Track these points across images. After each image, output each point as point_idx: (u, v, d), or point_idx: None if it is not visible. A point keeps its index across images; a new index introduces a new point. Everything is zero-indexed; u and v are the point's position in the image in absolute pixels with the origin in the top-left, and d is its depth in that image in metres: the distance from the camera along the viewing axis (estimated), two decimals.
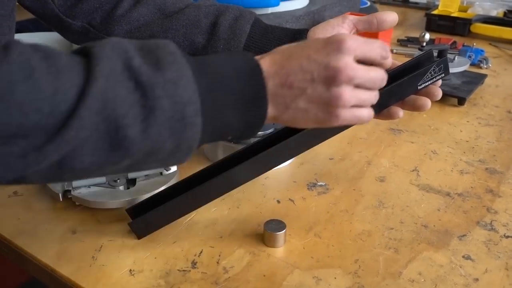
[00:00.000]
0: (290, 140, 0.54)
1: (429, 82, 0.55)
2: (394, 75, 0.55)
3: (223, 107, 0.42)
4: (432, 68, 0.53)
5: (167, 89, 0.38)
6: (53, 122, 0.35)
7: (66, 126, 0.35)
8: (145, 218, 0.55)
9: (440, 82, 0.56)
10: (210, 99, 0.41)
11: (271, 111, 0.44)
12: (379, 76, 0.47)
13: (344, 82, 0.43)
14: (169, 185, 0.60)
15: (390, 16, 0.59)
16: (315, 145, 0.57)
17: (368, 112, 0.47)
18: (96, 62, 0.37)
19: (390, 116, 0.56)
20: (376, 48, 0.47)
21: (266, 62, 0.44)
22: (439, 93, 0.56)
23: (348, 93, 0.44)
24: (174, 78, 0.39)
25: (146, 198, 0.58)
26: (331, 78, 0.43)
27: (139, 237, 0.56)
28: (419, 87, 0.55)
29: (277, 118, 0.46)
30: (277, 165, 0.58)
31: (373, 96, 0.47)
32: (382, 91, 0.53)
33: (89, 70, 0.36)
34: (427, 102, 0.55)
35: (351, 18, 0.61)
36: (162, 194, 0.58)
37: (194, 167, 0.70)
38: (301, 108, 0.44)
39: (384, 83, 0.47)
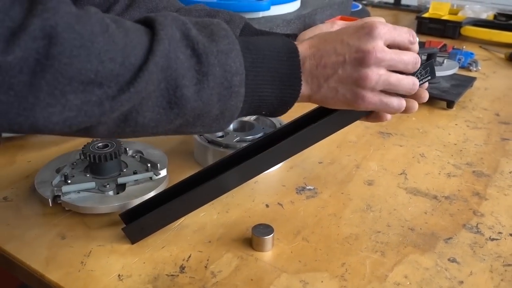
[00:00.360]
0: (280, 144, 0.55)
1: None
2: None
3: (262, 82, 0.47)
4: (418, 71, 0.54)
5: (219, 58, 0.43)
6: (124, 73, 0.39)
7: (137, 78, 0.39)
8: (139, 223, 0.56)
9: (426, 84, 0.56)
10: (253, 73, 0.46)
11: (305, 89, 0.49)
12: (410, 59, 0.50)
13: (372, 63, 0.47)
14: (162, 190, 0.60)
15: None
16: (304, 149, 0.57)
17: (398, 101, 0.51)
18: (160, 27, 0.42)
19: (379, 119, 0.57)
20: (404, 34, 0.50)
21: (304, 45, 0.50)
22: (425, 95, 0.57)
23: (375, 74, 0.48)
24: (225, 49, 0.44)
25: (139, 203, 0.58)
26: (361, 59, 0.47)
27: (133, 242, 0.56)
28: None
29: (311, 96, 0.50)
30: (268, 169, 0.59)
31: (406, 82, 0.50)
32: None
33: (154, 33, 0.41)
34: (414, 104, 0.56)
35: (339, 24, 0.61)
36: (155, 199, 0.58)
37: (184, 171, 0.71)
38: (332, 87, 0.49)
39: (417, 66, 0.51)
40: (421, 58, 0.57)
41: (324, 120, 0.55)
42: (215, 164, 0.58)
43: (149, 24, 0.43)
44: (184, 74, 0.42)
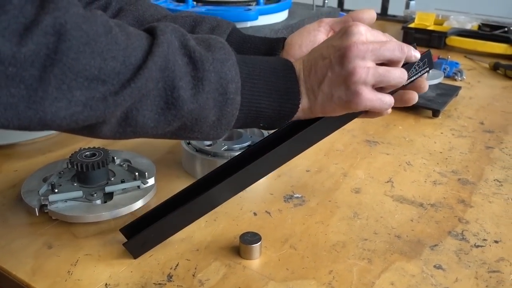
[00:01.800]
0: (287, 143, 0.55)
1: (415, 77, 0.55)
2: None
3: (259, 94, 0.49)
4: (416, 63, 0.54)
5: (215, 66, 0.46)
6: (125, 71, 0.41)
7: (137, 75, 0.41)
8: (140, 238, 0.55)
9: (426, 75, 0.57)
10: (249, 84, 0.48)
11: (305, 102, 0.51)
12: (394, 44, 0.50)
13: (355, 57, 0.48)
14: (160, 202, 0.58)
15: (366, 14, 0.60)
16: (303, 151, 0.57)
17: (389, 98, 0.52)
18: (160, 33, 0.44)
19: (378, 114, 0.57)
20: (381, 35, 0.52)
21: (298, 61, 0.52)
22: (425, 86, 0.57)
23: (362, 67, 0.48)
24: (221, 58, 0.46)
25: (139, 217, 0.57)
26: (344, 56, 0.48)
27: (135, 257, 0.55)
28: (406, 82, 0.55)
29: (311, 108, 0.51)
30: (270, 172, 0.58)
31: (396, 72, 0.50)
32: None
33: (155, 37, 0.44)
34: (415, 95, 0.56)
35: (327, 21, 0.62)
36: (155, 212, 0.57)
37: (172, 180, 0.71)
38: (327, 93, 0.50)
39: (403, 53, 0.50)
40: (415, 49, 0.58)
41: (321, 121, 0.54)
42: (212, 174, 0.58)
43: (150, 31, 0.45)
44: (181, 77, 0.44)
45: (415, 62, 0.54)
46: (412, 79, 0.56)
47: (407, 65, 0.55)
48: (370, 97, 0.50)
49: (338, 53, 0.49)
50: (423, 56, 0.55)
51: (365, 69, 0.48)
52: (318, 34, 0.62)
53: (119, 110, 0.42)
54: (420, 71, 0.55)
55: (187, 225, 0.57)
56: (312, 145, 0.57)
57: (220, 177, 0.55)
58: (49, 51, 0.37)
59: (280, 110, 0.50)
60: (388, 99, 0.52)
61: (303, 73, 0.51)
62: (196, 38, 0.48)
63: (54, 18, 0.37)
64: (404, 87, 0.56)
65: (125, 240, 0.56)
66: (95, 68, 0.40)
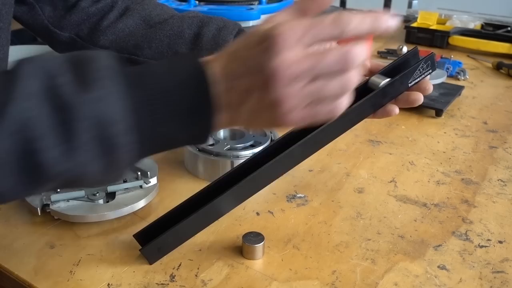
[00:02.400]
0: (301, 143, 0.53)
1: (419, 79, 0.57)
2: (384, 75, 0.56)
3: (162, 120, 0.39)
4: (420, 65, 0.55)
5: (90, 109, 0.36)
6: None
7: None
8: (156, 244, 0.54)
9: (429, 77, 0.58)
10: (147, 113, 0.38)
11: (223, 118, 0.41)
12: (336, 57, 0.38)
13: (282, 85, 0.38)
14: (175, 207, 0.57)
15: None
16: (313, 153, 0.56)
17: (328, 108, 0.40)
18: (16, 81, 0.36)
19: (387, 114, 0.58)
20: (326, 28, 0.38)
21: (215, 65, 0.40)
22: (430, 87, 0.58)
23: (291, 95, 0.38)
24: (99, 95, 0.36)
25: (153, 222, 0.57)
26: (267, 83, 0.38)
27: (151, 262, 0.55)
28: (409, 84, 0.57)
29: (232, 123, 0.42)
30: (282, 174, 0.57)
31: (332, 87, 0.39)
32: (376, 92, 0.54)
33: (8, 90, 0.35)
34: (420, 96, 0.57)
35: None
36: (169, 217, 0.56)
37: (174, 179, 0.71)
38: (252, 111, 0.40)
39: (361, 57, 0.39)
40: (417, 52, 0.58)
41: (328, 125, 0.54)
42: (228, 174, 0.57)
43: (10, 74, 0.37)
44: (42, 135, 0.35)
45: (419, 64, 0.55)
46: (416, 80, 0.57)
47: (413, 67, 0.55)
48: (300, 119, 0.40)
49: (260, 75, 0.38)
50: (426, 58, 0.56)
51: (294, 95, 0.38)
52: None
53: None
54: (424, 73, 0.56)
55: (203, 228, 0.57)
56: (323, 147, 0.57)
57: (235, 179, 0.54)
58: None
59: (192, 132, 0.41)
60: (326, 111, 0.41)
61: (222, 85, 0.40)
62: (72, 64, 0.38)
63: None
64: (408, 89, 0.57)
65: (138, 246, 0.56)
66: None
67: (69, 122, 0.36)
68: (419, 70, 0.55)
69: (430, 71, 0.56)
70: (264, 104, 0.39)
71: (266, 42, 0.38)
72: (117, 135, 0.37)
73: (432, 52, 0.58)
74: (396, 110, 0.58)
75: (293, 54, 0.37)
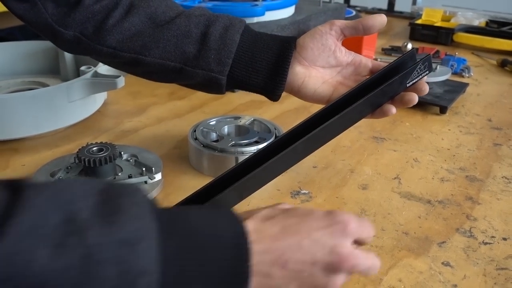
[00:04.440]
0: (304, 140, 0.53)
1: (416, 80, 0.58)
2: (383, 75, 0.57)
3: (191, 281, 0.34)
4: (418, 66, 0.56)
5: (118, 253, 0.30)
6: None
7: None
8: None
9: (425, 78, 0.59)
10: (176, 269, 0.33)
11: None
12: (375, 264, 0.41)
13: (345, 270, 0.39)
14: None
15: (376, 21, 0.60)
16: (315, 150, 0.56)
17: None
18: (21, 210, 0.29)
19: (384, 114, 0.59)
20: (367, 227, 0.43)
21: (252, 229, 0.37)
22: (426, 88, 0.59)
23: (340, 281, 0.40)
24: (131, 238, 0.31)
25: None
26: (336, 265, 0.38)
27: None
28: (407, 85, 0.58)
29: None
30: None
31: (366, 263, 0.41)
32: (375, 92, 0.55)
33: (7, 218, 0.28)
34: (415, 97, 0.58)
35: (338, 24, 0.62)
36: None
37: (179, 175, 0.71)
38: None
39: (376, 271, 0.42)
40: (415, 53, 0.59)
41: (329, 122, 0.54)
42: (229, 172, 0.54)
43: (13, 198, 0.30)
44: (44, 282, 0.28)
45: (417, 65, 0.56)
46: (414, 81, 0.58)
47: (410, 68, 0.56)
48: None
49: (328, 257, 0.38)
50: (423, 60, 0.57)
51: (342, 281, 0.40)
52: (330, 37, 0.61)
53: None
54: (420, 74, 0.57)
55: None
56: (325, 144, 0.57)
57: (240, 175, 0.53)
58: None
59: None
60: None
61: (260, 255, 0.37)
62: (100, 195, 0.32)
63: None
64: (405, 89, 0.57)
65: None
66: None
67: (93, 264, 0.29)
68: (417, 71, 0.57)
69: (427, 72, 0.58)
70: (316, 284, 0.39)
71: (339, 225, 0.39)
72: None
73: (429, 54, 0.59)
74: (393, 109, 0.59)
75: (351, 243, 0.40)
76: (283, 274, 0.37)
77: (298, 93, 0.63)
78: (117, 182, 0.36)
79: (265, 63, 0.61)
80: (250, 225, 0.38)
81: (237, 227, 0.36)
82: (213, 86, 0.63)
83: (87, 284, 0.29)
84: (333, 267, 0.38)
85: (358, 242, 0.42)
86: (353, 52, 0.63)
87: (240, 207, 0.64)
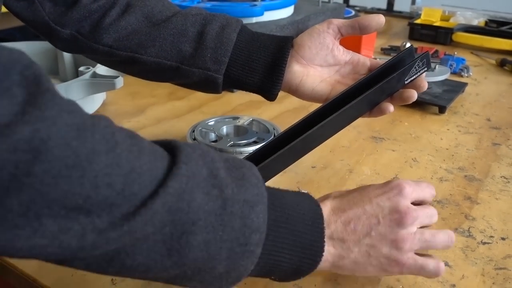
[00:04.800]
0: (301, 139, 0.53)
1: (415, 77, 0.58)
2: (381, 72, 0.57)
3: (281, 246, 0.41)
4: (416, 63, 0.56)
5: (244, 210, 0.38)
6: (122, 203, 0.32)
7: (136, 214, 0.32)
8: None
9: (424, 75, 0.59)
10: (273, 234, 0.41)
11: (328, 257, 0.45)
12: (434, 212, 0.49)
13: (409, 224, 0.45)
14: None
15: (373, 20, 0.60)
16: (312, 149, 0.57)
17: (434, 264, 0.47)
18: (185, 159, 0.36)
19: (382, 112, 0.59)
20: (426, 188, 0.49)
21: (327, 208, 0.46)
22: (424, 85, 0.59)
23: (411, 235, 0.46)
24: (252, 200, 0.39)
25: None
26: (398, 220, 0.45)
27: None
28: (405, 82, 0.58)
29: (334, 263, 0.45)
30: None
31: (442, 237, 0.48)
32: (373, 89, 0.55)
33: (175, 165, 0.35)
34: (414, 93, 0.58)
35: (335, 23, 0.62)
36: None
37: None
38: (364, 252, 0.45)
39: (435, 219, 0.49)
40: (413, 50, 0.59)
41: (327, 121, 0.54)
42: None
43: (171, 150, 0.37)
44: (197, 219, 0.35)
45: (415, 62, 0.57)
46: (412, 78, 0.58)
47: (409, 65, 0.56)
48: (410, 264, 0.46)
49: (390, 216, 0.45)
50: (422, 56, 0.57)
51: (413, 236, 0.46)
52: (327, 36, 0.61)
53: (99, 251, 0.33)
54: (419, 71, 0.57)
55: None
56: (322, 142, 0.57)
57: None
58: (17, 172, 0.28)
59: (300, 265, 0.43)
60: (432, 266, 0.47)
61: (334, 225, 0.45)
62: (227, 162, 0.40)
63: (34, 132, 0.28)
64: (404, 86, 0.57)
65: None
66: (80, 197, 0.30)
67: (227, 214, 0.37)
68: (415, 68, 0.56)
69: (426, 68, 0.58)
70: (386, 241, 0.45)
71: (396, 190, 0.47)
72: (253, 243, 0.39)
73: (427, 51, 0.59)
74: (391, 107, 0.59)
75: (410, 202, 0.47)
76: (355, 237, 0.45)
77: (296, 92, 0.63)
78: (234, 157, 0.44)
79: (262, 62, 0.61)
80: (327, 204, 0.46)
81: (316, 208, 0.45)
82: (209, 85, 0.63)
83: (220, 230, 0.36)
84: (396, 223, 0.45)
85: (421, 203, 0.49)
86: (351, 51, 0.63)
87: None
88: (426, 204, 0.49)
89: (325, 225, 0.44)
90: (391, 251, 0.45)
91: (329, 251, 0.45)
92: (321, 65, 0.62)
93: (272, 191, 0.43)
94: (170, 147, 0.38)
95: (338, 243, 0.45)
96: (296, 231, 0.42)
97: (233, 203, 0.37)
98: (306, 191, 0.67)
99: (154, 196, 0.33)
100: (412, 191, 0.47)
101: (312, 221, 0.43)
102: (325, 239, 0.44)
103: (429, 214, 0.48)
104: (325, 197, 0.48)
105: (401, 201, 0.46)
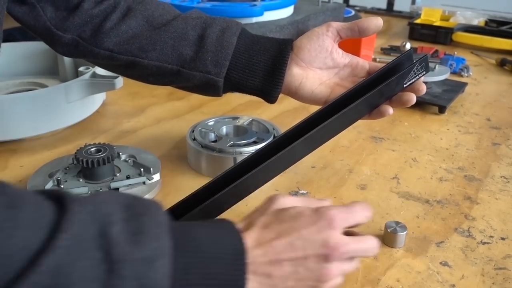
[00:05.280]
0: (302, 140, 0.53)
1: (413, 80, 0.58)
2: (380, 76, 0.57)
3: None
4: (415, 67, 0.57)
5: (138, 270, 0.34)
6: None
7: (16, 284, 0.30)
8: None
9: (422, 78, 0.59)
10: (184, 282, 0.37)
11: None
12: (371, 246, 0.45)
13: (337, 258, 0.42)
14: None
15: (372, 23, 0.60)
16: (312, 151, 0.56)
17: (354, 265, 0.45)
18: (66, 224, 0.32)
19: (381, 115, 0.59)
20: (359, 212, 0.45)
21: (251, 239, 0.42)
22: (423, 88, 0.59)
23: (337, 269, 0.43)
24: (150, 256, 0.35)
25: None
26: (325, 256, 0.42)
27: None
28: (404, 85, 0.58)
29: None
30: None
31: (354, 265, 0.45)
32: (372, 92, 0.55)
33: (56, 232, 0.32)
34: (413, 96, 0.58)
35: (334, 26, 0.62)
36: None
37: (177, 176, 0.71)
38: (289, 286, 0.42)
39: (376, 250, 0.45)
40: (412, 54, 0.59)
41: (327, 123, 0.54)
42: (228, 172, 0.55)
43: (59, 211, 0.33)
44: (82, 285, 0.32)
45: (414, 66, 0.57)
46: (411, 81, 0.58)
47: (408, 69, 0.56)
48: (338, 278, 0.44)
49: (318, 250, 0.42)
50: (421, 60, 0.57)
51: (338, 270, 0.43)
52: (326, 39, 0.61)
53: None
54: (418, 74, 0.58)
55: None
56: (322, 144, 0.57)
57: (238, 175, 0.53)
58: None
59: None
60: (352, 267, 0.45)
61: (259, 258, 0.41)
62: (127, 210, 0.36)
63: None
64: (403, 89, 0.57)
65: None
66: None
67: (116, 278, 0.33)
68: (414, 71, 0.57)
69: (424, 72, 0.58)
70: (312, 276, 0.42)
71: (325, 220, 0.42)
72: None
73: (426, 54, 0.59)
74: (390, 110, 0.59)
75: (341, 233, 0.43)
76: (281, 273, 0.41)
77: (295, 94, 0.63)
78: (139, 197, 0.39)
79: (262, 65, 0.61)
80: (251, 235, 0.42)
81: (237, 243, 0.40)
82: (210, 88, 0.63)
83: None
84: (324, 258, 0.42)
85: (353, 229, 0.46)
86: (350, 54, 0.63)
87: (238, 207, 0.64)
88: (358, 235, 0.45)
89: (248, 260, 0.40)
90: (315, 284, 0.42)
91: (253, 287, 0.41)
92: (320, 68, 0.62)
93: (183, 233, 0.39)
94: (59, 204, 0.34)
95: (263, 278, 0.41)
96: (212, 274, 0.38)
97: (124, 264, 0.33)
98: (305, 191, 0.67)
99: (22, 278, 0.30)
100: (343, 220, 0.43)
101: (232, 259, 0.39)
102: (249, 275, 0.40)
103: (364, 249, 0.44)
104: (250, 224, 0.44)
105: (331, 235, 0.42)
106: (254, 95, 0.64)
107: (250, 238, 0.42)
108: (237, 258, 0.40)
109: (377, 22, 0.60)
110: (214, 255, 0.39)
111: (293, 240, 0.42)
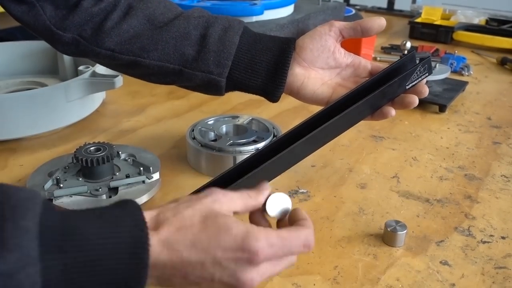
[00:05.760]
0: (303, 141, 0.53)
1: (416, 82, 0.58)
2: (382, 77, 0.57)
3: None
4: (418, 68, 0.56)
5: (4, 285, 0.31)
6: None
7: None
8: None
9: (425, 80, 0.59)
10: (65, 283, 0.34)
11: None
12: (288, 264, 0.42)
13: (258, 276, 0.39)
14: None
15: (375, 23, 0.60)
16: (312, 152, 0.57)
17: (290, 262, 0.42)
18: None
19: (383, 116, 0.59)
20: (295, 244, 0.40)
21: (156, 240, 0.37)
22: (425, 90, 0.59)
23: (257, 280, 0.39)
24: (10, 269, 0.31)
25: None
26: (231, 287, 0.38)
27: None
28: (407, 87, 0.58)
29: None
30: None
31: (283, 266, 0.41)
32: (375, 93, 0.55)
33: None
34: (415, 99, 0.58)
35: (337, 26, 0.61)
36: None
37: (177, 175, 0.71)
38: None
39: (295, 260, 0.42)
40: (414, 55, 0.59)
41: (329, 124, 0.54)
42: (227, 172, 0.54)
43: None
44: None
45: (417, 68, 0.57)
46: (414, 83, 0.58)
47: (410, 70, 0.56)
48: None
49: (227, 280, 0.38)
50: (423, 62, 0.57)
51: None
52: (329, 38, 0.61)
53: None
54: (420, 76, 0.57)
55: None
56: (324, 145, 0.57)
57: (238, 175, 0.52)
58: None
59: None
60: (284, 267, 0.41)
61: (166, 270, 0.37)
62: None
63: None
64: (405, 91, 0.57)
65: None
66: None
67: None
68: (416, 73, 0.57)
69: (427, 74, 0.58)
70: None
71: (247, 254, 0.38)
72: None
73: (429, 56, 0.59)
74: (393, 112, 0.59)
75: (260, 272, 0.39)
76: (183, 283, 0.38)
77: (297, 94, 0.63)
78: (11, 192, 0.35)
79: (265, 65, 0.61)
80: (161, 235, 0.37)
81: (139, 236, 0.36)
82: (212, 88, 0.63)
83: None
84: (244, 259, 0.38)
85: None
86: (352, 54, 0.63)
87: None
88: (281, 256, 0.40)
89: (151, 261, 0.36)
90: None
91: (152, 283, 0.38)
92: (322, 68, 0.62)
93: (70, 225, 0.35)
94: None
95: (162, 280, 0.38)
96: (102, 272, 0.34)
97: None
98: (305, 190, 0.67)
99: None
100: (270, 255, 0.39)
101: (129, 257, 0.35)
102: (149, 278, 0.36)
103: (280, 270, 0.41)
104: (162, 221, 0.39)
105: (247, 270, 0.38)
106: (256, 94, 0.64)
107: (157, 236, 0.37)
108: (135, 255, 0.35)
109: (380, 22, 0.60)
110: (104, 252, 0.35)
111: (205, 258, 0.38)
